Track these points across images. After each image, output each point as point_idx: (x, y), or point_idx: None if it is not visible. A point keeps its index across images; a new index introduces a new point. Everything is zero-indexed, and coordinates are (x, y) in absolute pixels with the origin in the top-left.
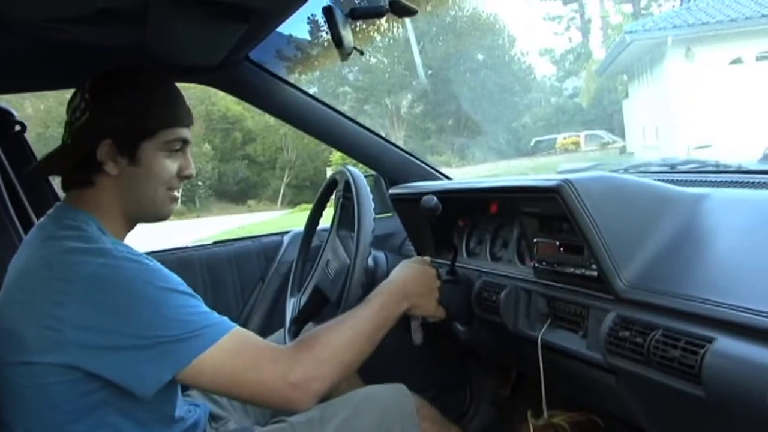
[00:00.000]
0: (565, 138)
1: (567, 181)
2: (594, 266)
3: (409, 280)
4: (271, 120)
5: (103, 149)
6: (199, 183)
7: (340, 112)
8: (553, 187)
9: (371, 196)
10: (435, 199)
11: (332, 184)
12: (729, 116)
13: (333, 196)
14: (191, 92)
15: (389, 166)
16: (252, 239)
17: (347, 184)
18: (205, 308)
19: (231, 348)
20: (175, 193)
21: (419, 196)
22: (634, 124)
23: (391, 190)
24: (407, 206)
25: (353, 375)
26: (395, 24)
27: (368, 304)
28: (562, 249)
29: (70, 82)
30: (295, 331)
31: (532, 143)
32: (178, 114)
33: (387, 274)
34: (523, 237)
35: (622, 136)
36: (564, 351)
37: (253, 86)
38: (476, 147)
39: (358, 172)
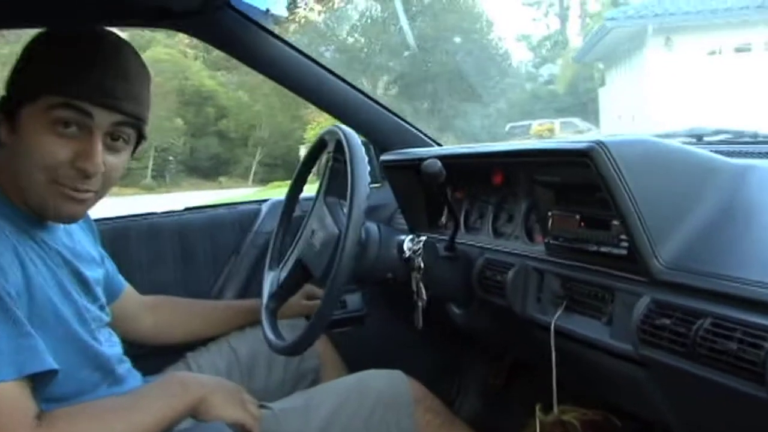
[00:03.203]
0: (540, 124)
1: (600, 144)
2: (623, 243)
3: (212, 384)
4: (245, 96)
5: None
6: (170, 158)
7: (330, 70)
8: (584, 149)
9: (367, 158)
10: (439, 163)
11: (321, 145)
12: (706, 107)
13: (320, 163)
14: (164, 66)
15: (380, 133)
16: (227, 207)
17: (339, 144)
18: None
19: None
20: (69, 190)
21: (416, 162)
22: (609, 112)
23: (383, 156)
24: (401, 175)
25: (338, 361)
26: (374, 3)
27: (154, 395)
28: (582, 223)
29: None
30: (273, 309)
31: (506, 128)
32: (77, 80)
33: (379, 248)
34: (533, 210)
35: (597, 124)
36: (582, 339)
37: (235, 36)
38: (451, 131)
39: (351, 131)
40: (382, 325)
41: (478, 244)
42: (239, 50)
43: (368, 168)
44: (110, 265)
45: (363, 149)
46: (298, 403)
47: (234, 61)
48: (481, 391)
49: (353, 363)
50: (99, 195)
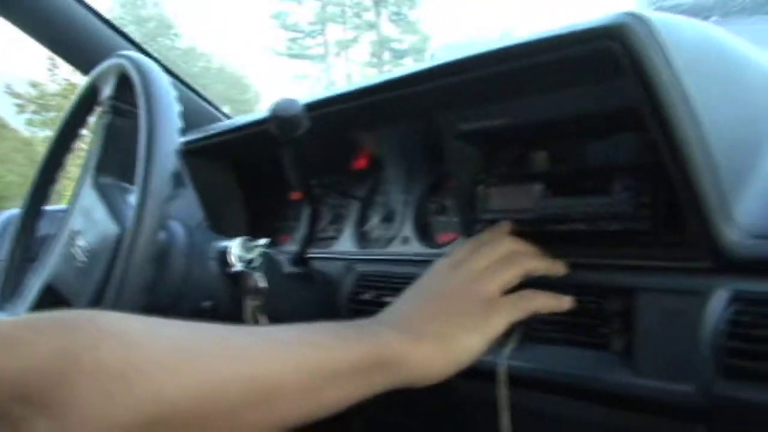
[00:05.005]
0: None
1: (638, 17)
2: (642, 211)
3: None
4: None
5: None
6: None
7: (111, 24)
8: (611, 25)
9: (174, 93)
10: (299, 103)
11: (89, 99)
12: None
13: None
14: None
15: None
16: None
17: (124, 81)
18: None
19: None
20: None
21: (234, 135)
22: None
23: (184, 138)
24: (209, 162)
25: None
26: None
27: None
28: (551, 192)
29: None
30: None
31: None
32: None
33: (189, 259)
34: (437, 191)
35: None
36: (566, 385)
37: None
38: None
39: (144, 57)
40: None
41: (338, 256)
42: None
43: (178, 107)
44: None
45: (167, 81)
46: None
47: None
48: None
49: None
50: None
